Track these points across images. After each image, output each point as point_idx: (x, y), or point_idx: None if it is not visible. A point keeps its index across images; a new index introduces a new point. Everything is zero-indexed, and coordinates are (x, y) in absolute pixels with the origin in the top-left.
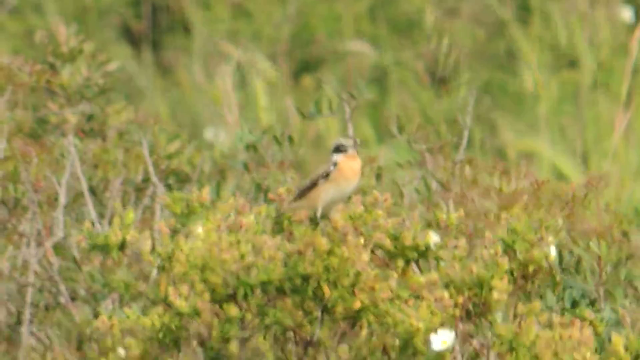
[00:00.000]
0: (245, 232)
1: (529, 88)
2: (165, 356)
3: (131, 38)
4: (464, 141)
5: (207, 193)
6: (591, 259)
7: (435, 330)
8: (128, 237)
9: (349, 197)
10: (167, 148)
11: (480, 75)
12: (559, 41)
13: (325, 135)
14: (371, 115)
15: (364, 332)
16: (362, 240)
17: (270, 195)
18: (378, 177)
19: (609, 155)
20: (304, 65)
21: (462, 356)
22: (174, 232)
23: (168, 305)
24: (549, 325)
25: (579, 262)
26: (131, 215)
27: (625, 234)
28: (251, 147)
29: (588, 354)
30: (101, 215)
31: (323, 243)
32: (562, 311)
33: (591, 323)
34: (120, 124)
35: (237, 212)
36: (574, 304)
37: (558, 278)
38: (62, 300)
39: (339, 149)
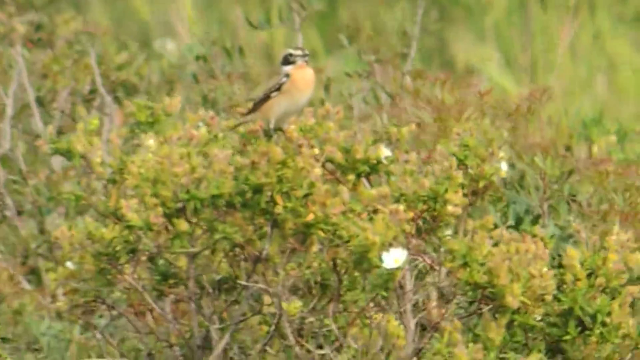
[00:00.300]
0: (197, 144)
1: None
2: (115, 271)
3: None
4: (412, 52)
5: (177, 102)
6: (535, 173)
7: (389, 247)
8: (93, 144)
9: (302, 110)
10: (116, 59)
11: None
12: None
13: (273, 45)
14: (320, 25)
15: (314, 248)
16: (316, 151)
17: (238, 110)
18: (326, 88)
19: (555, 68)
20: None
21: (412, 274)
22: (131, 144)
23: (118, 219)
24: (499, 242)
25: (522, 177)
26: (96, 121)
27: (568, 149)
28: (201, 58)
29: (544, 269)
30: (49, 127)
31: (278, 153)
32: (507, 227)
33: (541, 239)
34: (69, 34)
35: (207, 125)
36: (518, 220)
37: (502, 194)
38: (7, 214)
39: (287, 60)
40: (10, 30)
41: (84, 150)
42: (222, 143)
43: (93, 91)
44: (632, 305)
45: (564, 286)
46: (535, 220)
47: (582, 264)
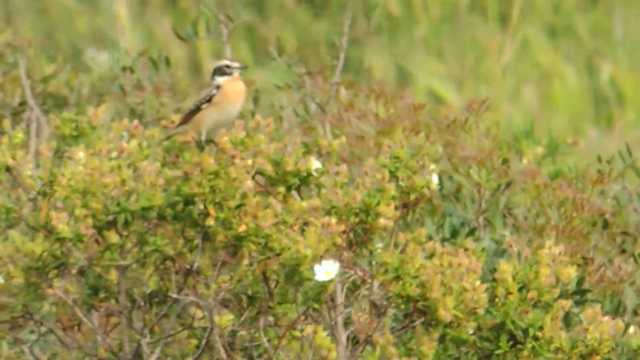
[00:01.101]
0: (128, 157)
1: (406, 9)
2: (45, 285)
3: None
4: (340, 63)
5: (101, 113)
6: (471, 186)
7: (320, 259)
8: (17, 157)
9: (233, 122)
10: (44, 70)
11: None
12: None
13: (202, 58)
14: (248, 37)
15: (245, 261)
16: (249, 161)
17: (163, 122)
18: (256, 100)
19: (486, 80)
20: None
21: (344, 287)
22: (60, 156)
23: (49, 232)
24: (432, 255)
25: (459, 189)
26: (20, 134)
27: (505, 161)
28: (128, 70)
29: (477, 282)
30: None
31: (210, 163)
32: (442, 240)
33: (473, 253)
34: None
35: (130, 134)
36: (454, 233)
37: (437, 205)
38: None
39: (223, 71)
40: None
41: (10, 163)
42: (147, 153)
43: (22, 104)
44: (564, 319)
45: (496, 300)
46: (471, 233)
47: (514, 278)
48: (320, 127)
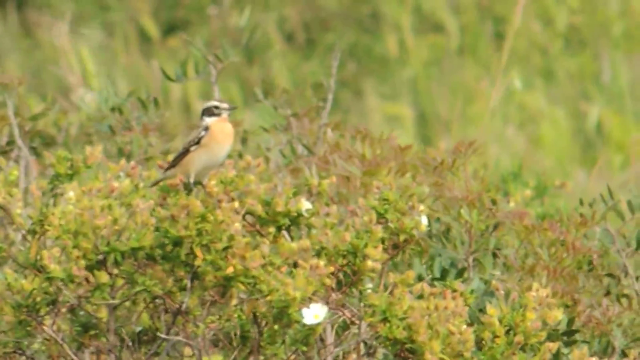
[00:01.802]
0: (119, 196)
1: (394, 52)
2: (36, 322)
3: None
4: (328, 105)
5: (98, 152)
6: (460, 227)
7: (309, 301)
8: (13, 195)
9: (222, 163)
10: (33, 110)
11: (346, 38)
12: (420, 3)
13: (192, 98)
14: (237, 78)
15: (234, 301)
16: (236, 204)
17: (159, 163)
18: (244, 141)
19: (474, 122)
20: (171, 26)
21: (333, 327)
22: (53, 195)
23: (38, 270)
24: (421, 296)
25: (448, 230)
26: (15, 172)
27: (494, 202)
28: (116, 110)
29: (463, 326)
30: None
31: (197, 206)
32: (432, 280)
33: (461, 294)
34: None
35: (127, 175)
36: (443, 273)
37: (426, 246)
38: None
39: (212, 112)
40: None
41: (3, 201)
42: (143, 193)
43: (10, 142)
44: (553, 359)
45: (483, 343)
46: (460, 274)
47: (500, 321)
48: (307, 169)
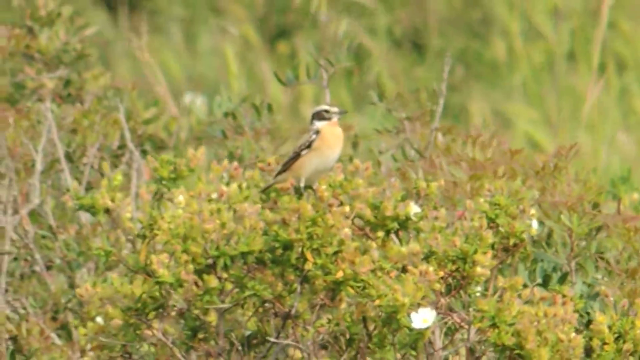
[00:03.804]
0: (228, 199)
1: (504, 57)
2: (144, 326)
3: (108, 2)
4: (440, 109)
5: (200, 155)
6: (562, 231)
7: (417, 307)
8: (116, 200)
9: (332, 167)
10: (144, 114)
11: (456, 43)
12: (534, 10)
13: (301, 102)
14: (347, 82)
15: (343, 305)
16: (346, 208)
17: (260, 165)
18: (355, 145)
19: (581, 125)
20: (280, 31)
21: (442, 331)
22: (158, 198)
23: (148, 274)
24: (529, 301)
25: (550, 234)
26: (119, 177)
27: (595, 206)
28: (230, 115)
29: (572, 333)
30: (78, 182)
31: (308, 210)
32: (536, 285)
33: (570, 299)
34: (98, 89)
35: (230, 176)
36: (546, 278)
37: (530, 251)
38: (37, 269)
39: (322, 117)
40: (40, 86)
41: (109, 205)
42: (247, 195)
43: (122, 146)
44: None
45: (592, 350)
46: (562, 278)
47: (609, 328)
48: (413, 173)
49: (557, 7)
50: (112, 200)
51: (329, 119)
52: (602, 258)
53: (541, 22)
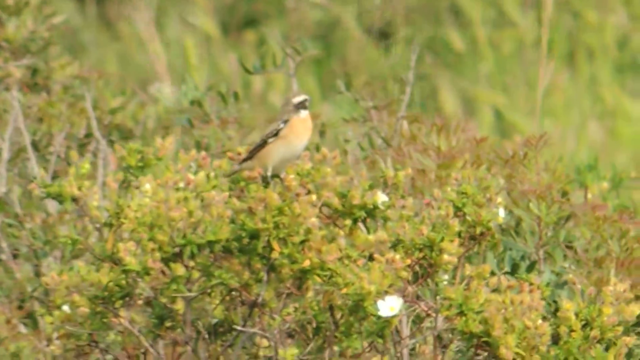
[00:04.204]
0: (195, 188)
1: (471, 45)
2: (111, 314)
3: None
4: (407, 98)
5: (169, 144)
6: (531, 219)
7: (384, 294)
8: (83, 188)
9: (299, 156)
10: (111, 103)
11: (423, 32)
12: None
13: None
14: (313, 71)
15: (310, 293)
16: (313, 197)
17: (230, 154)
18: (322, 133)
19: (550, 115)
20: (248, 20)
21: (409, 319)
22: (126, 187)
23: (114, 262)
24: (497, 289)
25: (518, 223)
26: (87, 165)
27: (564, 194)
28: (196, 103)
29: (539, 321)
30: (44, 171)
31: (275, 199)
32: (504, 274)
33: (538, 287)
34: (65, 78)
35: (198, 165)
36: (514, 266)
37: (498, 239)
38: (3, 257)
39: (304, 106)
40: (7, 75)
41: (76, 193)
42: (215, 184)
43: (88, 135)
44: (627, 355)
45: (559, 337)
46: (531, 267)
47: (577, 315)
48: (382, 161)
49: None
50: (80, 189)
51: (306, 108)
52: (570, 247)
53: (509, 11)
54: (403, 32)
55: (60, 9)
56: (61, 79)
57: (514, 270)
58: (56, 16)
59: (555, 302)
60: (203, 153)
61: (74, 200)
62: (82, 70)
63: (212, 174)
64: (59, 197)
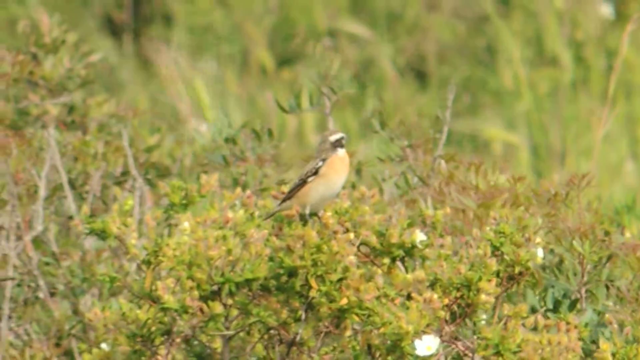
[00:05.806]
0: (234, 226)
1: (509, 84)
2: (149, 352)
3: (113, 29)
4: (443, 137)
5: (213, 181)
6: (573, 258)
7: (422, 334)
8: (128, 224)
9: (338, 194)
10: (148, 141)
11: (461, 71)
12: (540, 37)
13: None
14: (350, 109)
15: (348, 332)
16: (351, 235)
17: (273, 193)
18: (358, 172)
19: (587, 154)
20: (285, 59)
21: (446, 359)
22: (168, 225)
23: (153, 300)
24: (534, 328)
25: (561, 261)
26: (130, 201)
27: (607, 234)
28: (230, 141)
29: None
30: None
31: (313, 236)
32: (545, 312)
33: (575, 327)
34: (101, 116)
35: (242, 204)
36: (556, 304)
37: (539, 278)
38: (41, 295)
39: (341, 144)
40: (43, 113)
41: (118, 231)
42: (258, 223)
43: (125, 173)
44: None
45: None
46: (572, 305)
47: (614, 355)
48: (422, 200)
49: (571, 35)
50: (125, 225)
51: (343, 146)
52: (613, 285)
53: (548, 50)
54: (439, 72)
55: (97, 47)
56: (98, 117)
57: (555, 308)
58: (93, 54)
59: (593, 342)
60: (248, 192)
61: (117, 237)
62: (119, 108)
63: (256, 213)
64: (102, 234)
